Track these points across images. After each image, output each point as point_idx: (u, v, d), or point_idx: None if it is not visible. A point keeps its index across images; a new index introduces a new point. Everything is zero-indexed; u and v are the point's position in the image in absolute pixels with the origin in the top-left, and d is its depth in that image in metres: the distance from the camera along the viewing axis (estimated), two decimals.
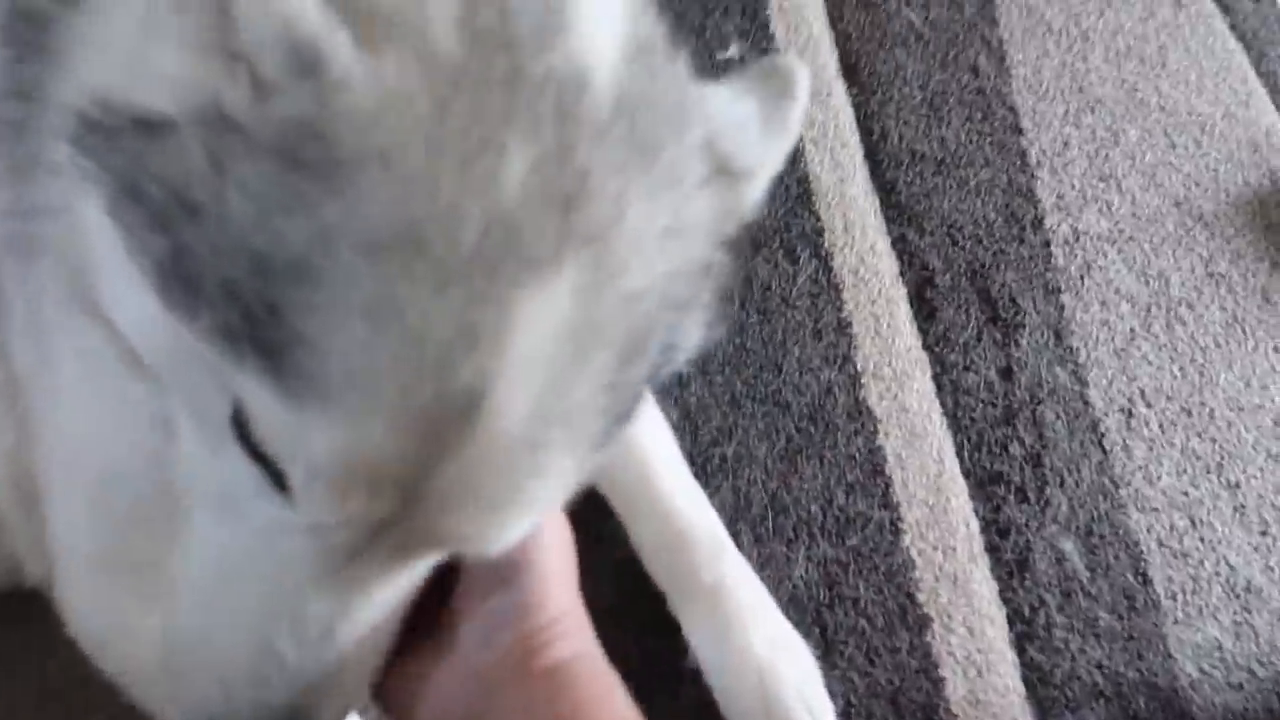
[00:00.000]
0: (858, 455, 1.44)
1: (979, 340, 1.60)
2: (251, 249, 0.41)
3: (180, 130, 0.43)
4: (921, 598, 1.35)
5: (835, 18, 1.87)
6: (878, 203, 1.69)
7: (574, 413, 0.48)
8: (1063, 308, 1.68)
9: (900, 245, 1.66)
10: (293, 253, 0.41)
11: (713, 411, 1.42)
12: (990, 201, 1.75)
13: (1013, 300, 1.65)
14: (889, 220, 1.68)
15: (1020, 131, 1.86)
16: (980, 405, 1.54)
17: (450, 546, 0.52)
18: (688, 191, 0.52)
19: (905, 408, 1.50)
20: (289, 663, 0.50)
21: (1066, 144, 1.89)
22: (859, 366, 1.52)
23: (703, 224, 0.54)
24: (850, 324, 1.56)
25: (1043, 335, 1.63)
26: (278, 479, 0.47)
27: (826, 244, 1.62)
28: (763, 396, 1.46)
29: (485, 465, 0.46)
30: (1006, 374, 1.58)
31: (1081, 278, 1.72)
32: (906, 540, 1.39)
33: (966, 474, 1.48)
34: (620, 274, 0.47)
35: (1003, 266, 1.69)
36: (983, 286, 1.66)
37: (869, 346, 1.54)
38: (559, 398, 0.47)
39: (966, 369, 1.57)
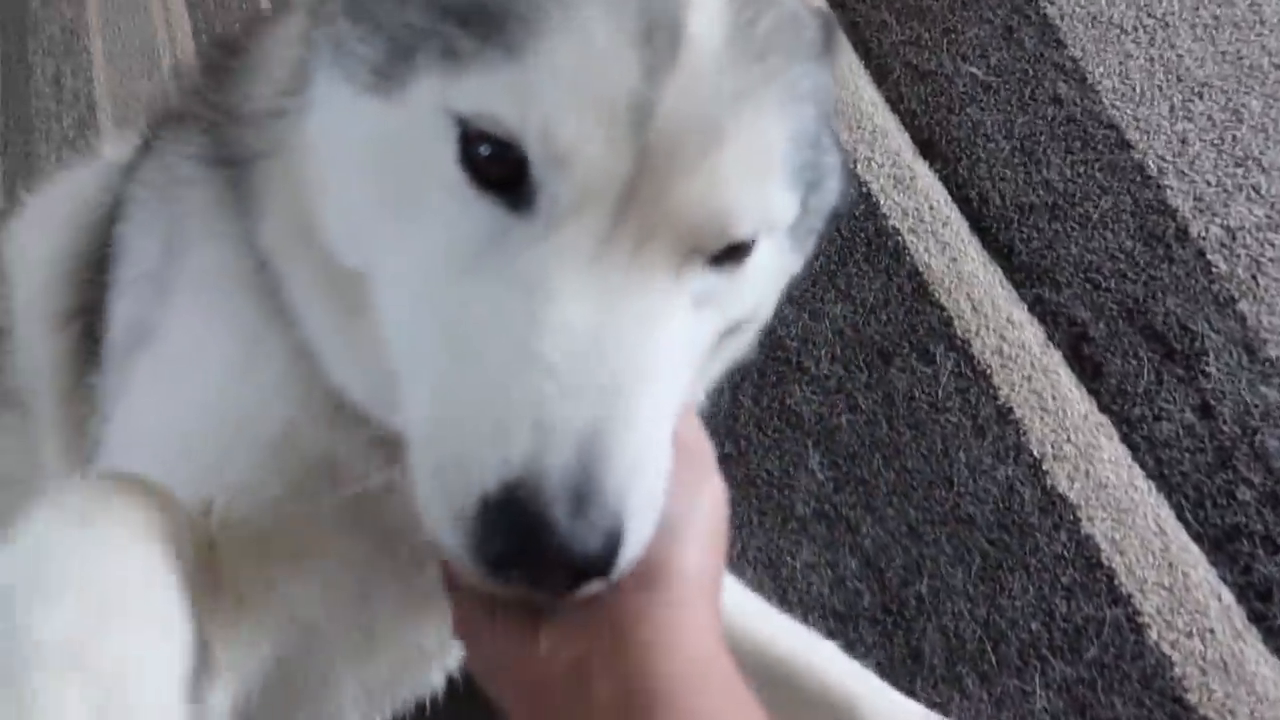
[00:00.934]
0: (1065, 552, 1.30)
1: (1160, 383, 1.45)
2: None
3: None
4: (1192, 698, 1.18)
5: (894, 100, 1.81)
6: (999, 271, 1.59)
7: (764, 103, 0.55)
8: (1244, 318, 1.50)
9: (1039, 307, 1.54)
10: None
11: (893, 550, 1.32)
12: (1121, 230, 1.61)
13: (1183, 327, 1.49)
14: (1018, 285, 1.57)
15: (1129, 146, 1.72)
16: (1187, 455, 1.38)
17: (684, 231, 0.53)
18: (808, 51, 0.61)
19: (1102, 483, 1.36)
20: (566, 379, 0.48)
21: (1185, 141, 1.74)
22: (1036, 453, 1.39)
23: (820, 89, 0.61)
24: (1011, 409, 1.43)
25: (1232, 355, 1.46)
26: (513, 202, 0.53)
27: (959, 332, 1.52)
28: (942, 517, 1.35)
29: (695, 94, 0.52)
30: (1204, 411, 1.42)
31: (1254, 278, 1.54)
32: (1152, 635, 1.23)
33: (1198, 538, 1.31)
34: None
35: (1159, 294, 1.53)
36: (1145, 323, 1.51)
37: (1040, 428, 1.41)
38: (746, 56, 0.54)
39: (1158, 419, 1.41)
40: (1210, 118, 1.77)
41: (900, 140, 1.75)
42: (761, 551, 1.33)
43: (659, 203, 0.52)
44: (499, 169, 0.53)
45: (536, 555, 0.47)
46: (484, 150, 0.53)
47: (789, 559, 1.33)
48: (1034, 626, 1.24)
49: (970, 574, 1.29)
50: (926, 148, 1.74)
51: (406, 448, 0.54)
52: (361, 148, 0.57)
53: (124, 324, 0.76)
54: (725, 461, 0.82)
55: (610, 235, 0.52)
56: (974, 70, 1.84)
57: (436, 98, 0.53)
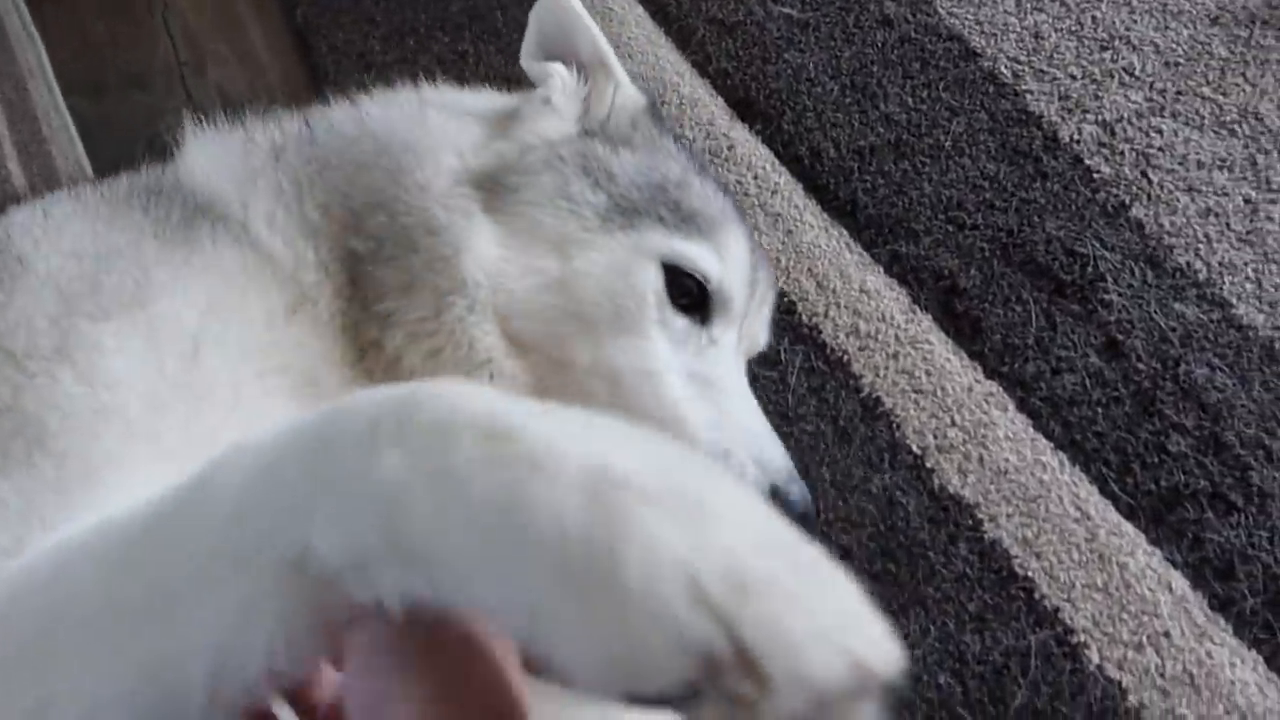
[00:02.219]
0: (969, 570, 1.02)
1: (1053, 327, 1.17)
2: (655, 181, 0.94)
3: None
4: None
5: (702, 63, 1.55)
6: (844, 234, 1.32)
7: None
8: (1140, 225, 1.23)
9: (896, 267, 1.27)
10: (675, 177, 0.96)
11: None
12: (980, 153, 1.35)
13: (1070, 253, 1.22)
14: (868, 246, 1.30)
15: (975, 55, 1.46)
16: (1100, 411, 1.10)
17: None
18: None
19: (1001, 469, 1.08)
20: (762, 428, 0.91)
21: (1038, 35, 1.47)
22: (915, 449, 1.12)
23: None
24: (878, 400, 1.16)
25: (1133, 273, 1.19)
26: (697, 317, 0.91)
27: (805, 319, 1.25)
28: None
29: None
30: (1112, 350, 1.14)
31: (1144, 174, 1.27)
32: (1093, 657, 0.95)
33: (1131, 513, 1.03)
34: None
35: (1036, 220, 1.27)
36: (1024, 258, 1.24)
37: (916, 416, 1.14)
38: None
39: (1057, 372, 1.14)
40: (1063, 2, 1.51)
41: (713, 106, 1.49)
42: None
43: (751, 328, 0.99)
44: (688, 299, 0.90)
45: (803, 519, 0.83)
46: (683, 285, 0.90)
47: None
48: (942, 680, 0.96)
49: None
50: (743, 108, 1.48)
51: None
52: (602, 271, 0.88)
53: None
54: None
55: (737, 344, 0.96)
56: (786, 10, 1.58)
57: (662, 247, 0.89)
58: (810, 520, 0.86)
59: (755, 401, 0.95)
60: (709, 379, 0.89)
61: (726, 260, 0.93)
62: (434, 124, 0.95)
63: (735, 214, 1.00)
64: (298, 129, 0.94)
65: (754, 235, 1.07)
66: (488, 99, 1.05)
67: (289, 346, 0.77)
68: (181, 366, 0.71)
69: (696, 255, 0.91)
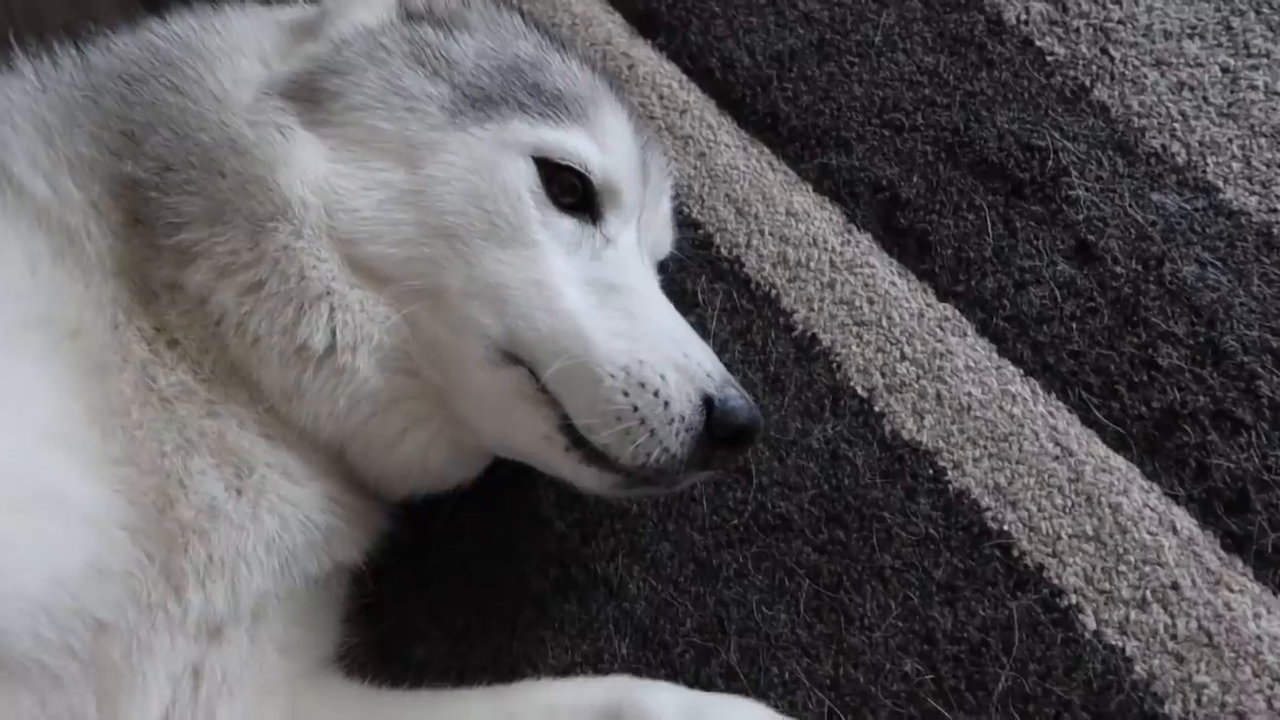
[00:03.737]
0: (934, 530, 0.85)
1: (1013, 234, 1.00)
2: (507, 63, 0.83)
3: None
4: (1173, 708, 0.73)
5: None
6: (766, 150, 1.13)
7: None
8: (1104, 108, 1.05)
9: (827, 182, 1.09)
10: (529, 55, 0.85)
11: (677, 608, 0.87)
12: (916, 44, 1.16)
13: (1027, 148, 1.04)
14: (794, 161, 1.12)
15: None
16: (1074, 326, 0.93)
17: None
18: None
19: (964, 406, 0.91)
20: (685, 335, 0.79)
21: None
22: (861, 391, 0.94)
23: None
24: (815, 338, 0.98)
25: (1101, 163, 1.02)
26: (585, 216, 0.81)
27: (725, 251, 1.07)
28: (740, 534, 0.89)
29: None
30: (1083, 253, 0.97)
31: (1103, 51, 1.10)
32: (1088, 622, 0.78)
33: (1120, 443, 0.86)
34: None
35: (985, 113, 1.08)
36: (975, 157, 1.06)
37: (860, 352, 0.96)
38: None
39: (1021, 286, 0.96)
40: None
41: (610, 24, 1.30)
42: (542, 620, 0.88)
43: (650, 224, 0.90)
44: (571, 197, 0.80)
45: (751, 429, 0.75)
46: (563, 181, 0.80)
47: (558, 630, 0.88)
48: (908, 666, 0.79)
49: (798, 611, 0.84)
50: (644, 23, 1.29)
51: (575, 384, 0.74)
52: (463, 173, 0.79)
53: None
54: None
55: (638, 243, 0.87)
56: None
57: (527, 138, 0.79)
58: (756, 430, 0.75)
59: (670, 304, 0.82)
60: (611, 283, 0.78)
61: (606, 145, 0.83)
62: (225, 26, 0.82)
63: (609, 90, 0.88)
64: (69, 57, 0.83)
65: (636, 111, 0.92)
66: (297, 10, 0.89)
67: (50, 294, 0.69)
68: None
69: (571, 143, 0.80)
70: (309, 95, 0.77)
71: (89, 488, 0.63)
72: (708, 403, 0.73)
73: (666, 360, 0.74)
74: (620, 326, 0.75)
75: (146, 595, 0.67)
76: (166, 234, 0.72)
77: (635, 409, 0.71)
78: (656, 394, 0.71)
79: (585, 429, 0.72)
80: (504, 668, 0.86)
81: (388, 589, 0.87)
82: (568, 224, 0.79)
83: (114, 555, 0.64)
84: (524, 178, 0.77)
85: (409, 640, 0.89)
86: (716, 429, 0.73)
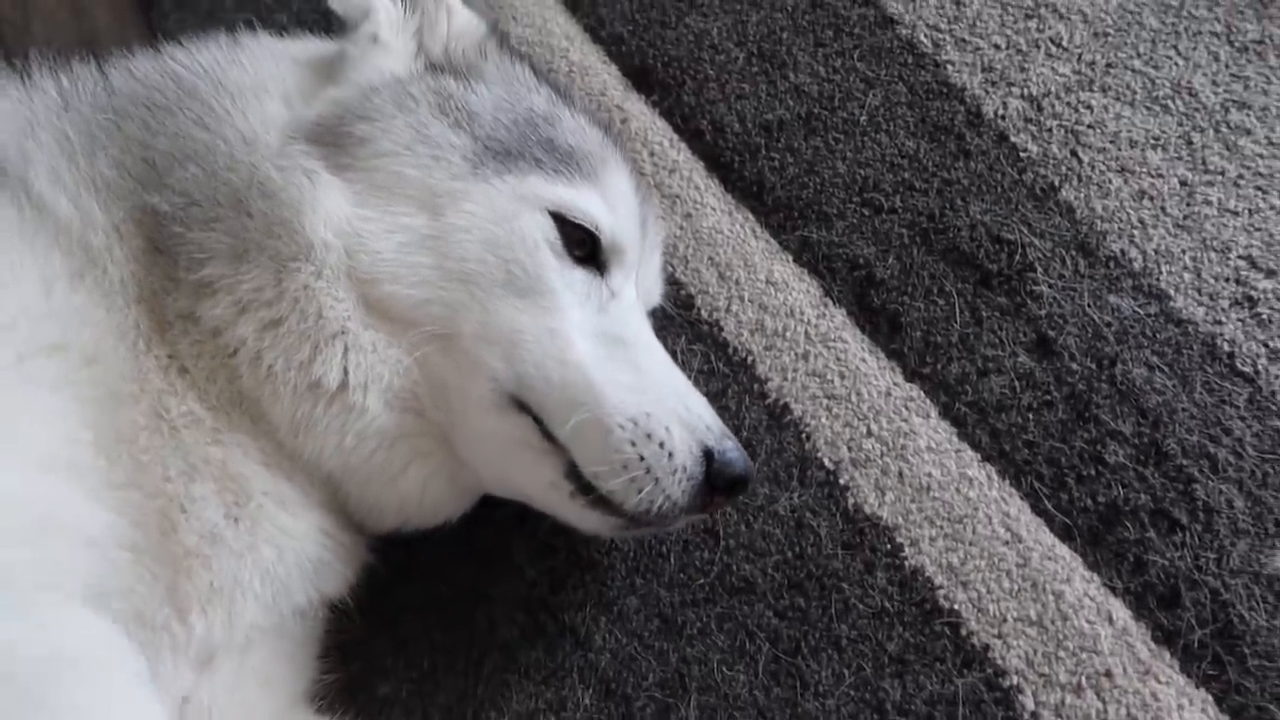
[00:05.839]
0: (888, 603, 0.90)
1: (979, 322, 1.05)
2: (522, 117, 0.87)
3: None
4: None
5: (594, 27, 1.39)
6: (750, 217, 1.18)
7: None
8: (1070, 208, 1.12)
9: (807, 255, 1.14)
10: (542, 110, 0.89)
11: (640, 662, 0.90)
12: (899, 128, 1.22)
13: (996, 240, 1.10)
14: (776, 231, 1.16)
15: (893, 23, 1.33)
16: (1030, 416, 0.98)
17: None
18: None
19: (923, 486, 0.96)
20: (685, 387, 0.84)
21: (960, 3, 1.36)
22: (828, 463, 0.99)
23: None
24: (786, 407, 1.03)
25: (1064, 261, 1.08)
26: (593, 269, 0.85)
27: (705, 314, 1.11)
28: (705, 594, 0.93)
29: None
30: (1042, 347, 1.03)
31: (1073, 154, 1.16)
32: (1027, 703, 0.83)
33: (1066, 533, 0.92)
34: None
35: (959, 203, 1.14)
36: (947, 245, 1.11)
37: (829, 425, 1.01)
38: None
39: (984, 373, 1.02)
40: None
41: (606, 75, 1.33)
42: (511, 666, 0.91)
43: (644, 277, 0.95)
44: (581, 250, 0.84)
45: (746, 479, 0.81)
46: (573, 235, 0.84)
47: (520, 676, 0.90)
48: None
49: (757, 674, 0.88)
50: (639, 77, 1.33)
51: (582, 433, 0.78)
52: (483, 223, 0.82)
53: None
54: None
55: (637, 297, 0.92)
56: None
57: (546, 195, 0.83)
58: (750, 481, 0.82)
59: (669, 356, 0.87)
60: (618, 336, 0.82)
61: (615, 204, 0.87)
62: (250, 64, 0.83)
63: (614, 148, 0.92)
64: (91, 76, 0.84)
65: (634, 166, 0.97)
66: (309, 45, 0.91)
67: (66, 318, 0.69)
68: None
69: (584, 203, 0.84)
70: (333, 140, 0.79)
71: (91, 512, 0.64)
72: (707, 454, 0.78)
73: (671, 413, 0.78)
74: (628, 379, 0.79)
75: (152, 615, 0.68)
76: (189, 268, 0.74)
77: (642, 459, 0.75)
78: (662, 445, 0.75)
79: (593, 476, 0.75)
80: (468, 710, 0.88)
81: (356, 624, 0.89)
82: (580, 275, 0.83)
83: (117, 575, 0.65)
84: (543, 230, 0.81)
85: (375, 677, 0.91)
86: (715, 479, 0.78)
